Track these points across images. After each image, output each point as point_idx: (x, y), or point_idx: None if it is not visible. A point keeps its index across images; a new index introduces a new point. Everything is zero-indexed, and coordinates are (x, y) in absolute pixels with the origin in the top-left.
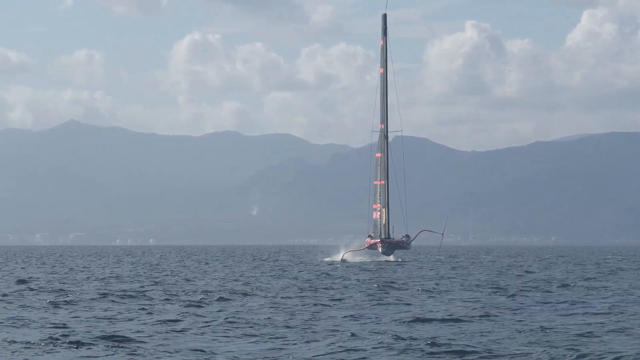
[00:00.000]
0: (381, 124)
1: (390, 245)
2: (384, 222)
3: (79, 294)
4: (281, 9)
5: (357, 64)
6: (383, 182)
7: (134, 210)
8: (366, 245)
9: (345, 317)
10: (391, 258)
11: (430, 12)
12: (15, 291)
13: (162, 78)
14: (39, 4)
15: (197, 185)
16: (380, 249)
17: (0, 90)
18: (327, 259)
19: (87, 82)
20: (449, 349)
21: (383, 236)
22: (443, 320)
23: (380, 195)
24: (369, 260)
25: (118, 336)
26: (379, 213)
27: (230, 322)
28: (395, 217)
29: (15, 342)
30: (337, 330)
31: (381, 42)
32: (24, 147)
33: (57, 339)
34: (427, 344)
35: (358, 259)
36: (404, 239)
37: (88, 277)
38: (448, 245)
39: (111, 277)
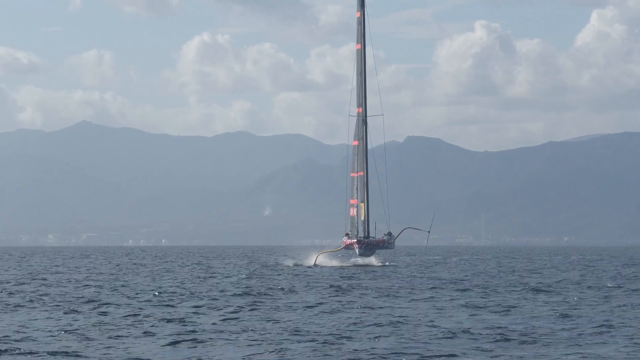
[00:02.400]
0: (359, 107)
1: (369, 246)
2: (362, 218)
3: None
4: (291, 9)
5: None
6: (361, 173)
7: (147, 211)
8: (342, 246)
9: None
10: (373, 260)
11: (440, 12)
12: None
13: (171, 78)
14: (48, 4)
15: (210, 185)
16: (357, 250)
17: (10, 91)
18: (291, 263)
19: (98, 82)
20: None
21: (361, 235)
22: None
23: (357, 189)
24: (348, 264)
25: None
26: (355, 209)
27: None
28: (377, 213)
29: None
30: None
31: (357, 14)
32: (37, 147)
33: None
34: None
35: (335, 262)
36: (385, 237)
37: None
38: (460, 246)
39: None
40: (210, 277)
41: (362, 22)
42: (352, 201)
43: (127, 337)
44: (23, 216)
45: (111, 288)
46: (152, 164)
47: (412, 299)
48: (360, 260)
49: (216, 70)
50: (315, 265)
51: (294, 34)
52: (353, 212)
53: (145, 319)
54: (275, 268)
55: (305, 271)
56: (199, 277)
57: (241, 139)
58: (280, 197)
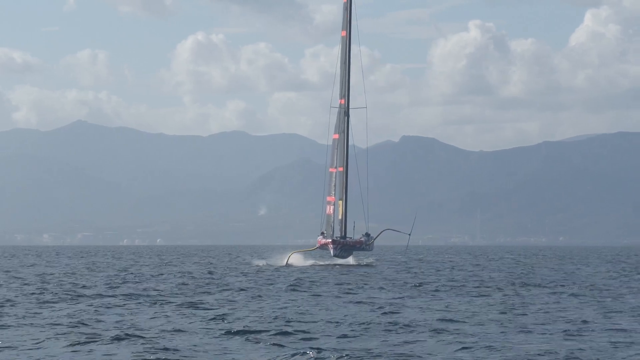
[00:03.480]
0: (341, 98)
1: (345, 247)
2: (340, 217)
3: None
4: (286, 9)
5: (362, 64)
6: (341, 169)
7: (143, 211)
8: (317, 245)
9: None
10: (351, 260)
11: (438, 12)
12: None
13: (166, 78)
14: (43, 4)
15: (206, 185)
16: (331, 251)
17: (5, 91)
18: (262, 263)
19: (92, 82)
20: None
21: (338, 235)
22: None
23: (335, 186)
24: (326, 263)
25: None
26: (332, 207)
27: None
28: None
29: None
30: None
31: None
32: (32, 147)
33: None
34: None
35: (310, 261)
36: (362, 238)
37: None
38: (454, 246)
39: None
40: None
41: (348, 7)
42: (329, 198)
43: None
44: (18, 215)
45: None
46: (149, 163)
47: (337, 296)
48: (340, 260)
49: (211, 69)
50: (287, 265)
51: (288, 33)
52: (329, 210)
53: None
54: (237, 268)
55: (263, 271)
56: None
57: (237, 138)
58: (278, 196)
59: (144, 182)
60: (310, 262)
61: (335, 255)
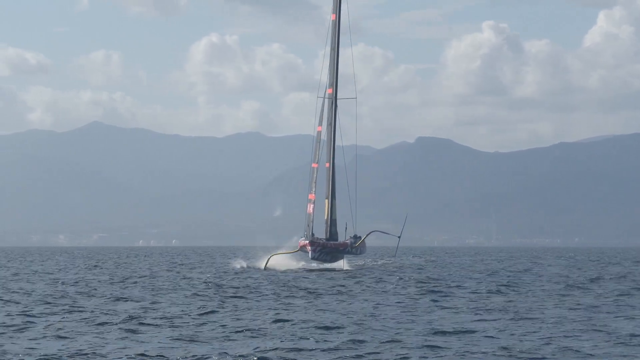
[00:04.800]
0: (329, 87)
1: (326, 249)
2: (326, 217)
3: None
4: (299, 10)
5: (375, 64)
6: (327, 164)
7: (158, 211)
8: (298, 248)
9: None
10: (342, 264)
11: (450, 13)
12: None
13: (180, 79)
14: (55, 5)
15: (221, 186)
16: (309, 253)
17: (19, 92)
18: (239, 265)
19: (106, 82)
20: None
21: (323, 237)
22: None
23: (316, 182)
24: (307, 267)
25: None
26: (312, 205)
27: None
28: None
29: None
30: None
31: None
32: (48, 148)
33: None
34: None
35: (293, 264)
36: (349, 240)
37: None
38: (470, 247)
39: None
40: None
41: None
42: (310, 196)
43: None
44: (34, 216)
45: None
46: (164, 164)
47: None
48: (329, 265)
49: (225, 70)
50: (266, 268)
51: (302, 34)
52: (309, 208)
53: None
54: (208, 271)
55: (237, 273)
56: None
57: (252, 139)
58: (294, 197)
59: (159, 183)
60: (293, 264)
61: (314, 259)
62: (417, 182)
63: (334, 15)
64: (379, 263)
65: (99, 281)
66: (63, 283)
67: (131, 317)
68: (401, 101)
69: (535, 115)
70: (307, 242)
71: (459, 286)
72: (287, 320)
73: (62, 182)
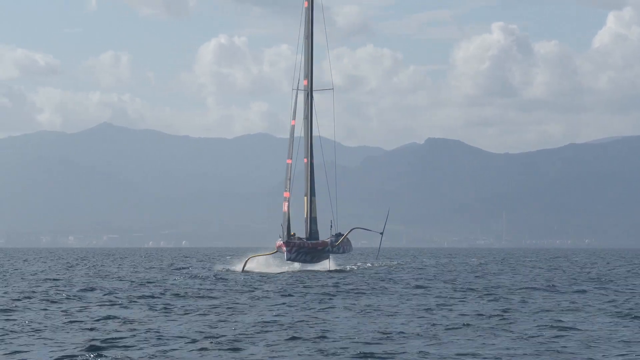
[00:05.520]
0: (304, 78)
1: (303, 250)
2: (305, 215)
3: None
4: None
5: (385, 66)
6: (305, 160)
7: (168, 212)
8: (276, 248)
9: None
10: (328, 264)
11: (460, 14)
12: None
13: (189, 80)
14: (65, 6)
15: (231, 187)
16: (285, 255)
17: (29, 93)
18: (219, 268)
19: (115, 84)
20: None
21: (304, 236)
22: None
23: (290, 179)
24: (288, 269)
25: None
26: (288, 203)
27: None
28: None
29: None
30: None
31: None
32: (58, 149)
33: None
34: None
35: (273, 267)
36: (330, 239)
37: None
38: (477, 249)
39: None
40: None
41: None
42: (285, 194)
43: None
44: (44, 217)
45: None
46: (174, 165)
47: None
48: (312, 266)
49: (234, 71)
50: (243, 271)
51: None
52: (285, 207)
53: None
54: (180, 274)
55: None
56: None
57: (261, 140)
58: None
59: (169, 184)
60: (273, 267)
61: (290, 260)
62: (427, 183)
63: (307, 1)
64: (367, 265)
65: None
66: None
67: None
68: (410, 102)
69: (544, 117)
70: (282, 242)
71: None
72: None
73: (72, 184)
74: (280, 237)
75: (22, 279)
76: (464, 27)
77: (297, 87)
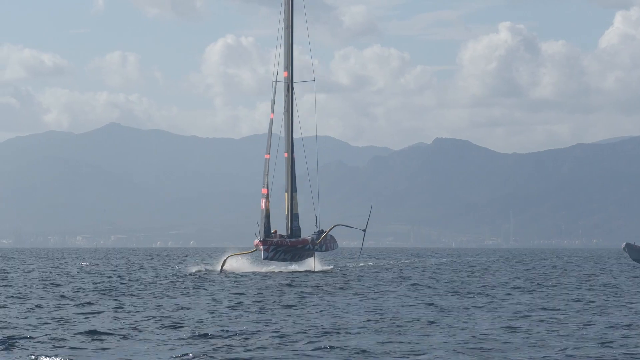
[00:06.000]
0: (285, 70)
1: (281, 248)
2: (285, 212)
3: None
4: (315, 11)
5: (392, 66)
6: (285, 154)
7: (176, 213)
8: (255, 247)
9: None
10: (313, 263)
11: (467, 14)
12: None
13: (196, 80)
14: (71, 7)
15: (240, 187)
16: (262, 254)
17: (36, 93)
18: (195, 269)
19: (122, 84)
20: None
21: (285, 234)
22: None
23: (267, 174)
24: (268, 269)
25: None
26: (265, 200)
27: None
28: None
29: None
30: None
31: None
32: (66, 149)
33: None
34: None
35: (254, 266)
36: (311, 237)
37: None
38: (489, 248)
39: None
40: None
41: None
42: (263, 190)
43: None
44: (52, 218)
45: None
46: (182, 165)
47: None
48: (297, 266)
49: (241, 72)
50: (221, 271)
51: (317, 35)
52: (262, 204)
53: None
54: (154, 274)
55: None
56: None
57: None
58: (311, 198)
59: (177, 184)
60: (252, 267)
61: (267, 259)
62: (435, 183)
63: None
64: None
65: None
66: None
67: None
68: (418, 102)
69: (552, 117)
70: (259, 241)
71: None
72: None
73: (80, 184)
74: (256, 235)
75: None
76: (471, 27)
77: (276, 79)
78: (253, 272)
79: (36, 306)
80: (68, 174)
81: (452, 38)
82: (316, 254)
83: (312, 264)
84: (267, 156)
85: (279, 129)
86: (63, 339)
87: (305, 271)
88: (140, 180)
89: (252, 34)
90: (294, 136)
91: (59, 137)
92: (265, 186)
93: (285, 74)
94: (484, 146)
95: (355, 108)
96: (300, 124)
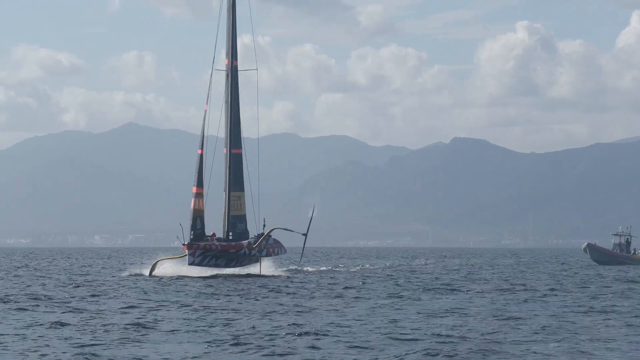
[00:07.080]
0: (226, 57)
1: (210, 253)
2: (223, 213)
3: None
4: (332, 11)
5: (409, 65)
6: (225, 150)
7: None
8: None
9: None
10: (267, 267)
11: (484, 14)
12: None
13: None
14: (87, 6)
15: (256, 187)
16: (187, 259)
17: (53, 93)
18: (137, 271)
19: (139, 84)
20: None
21: (222, 236)
22: None
23: (198, 172)
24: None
25: None
26: (195, 199)
27: None
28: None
29: None
30: None
31: None
32: (83, 149)
33: None
34: None
35: (192, 271)
36: (248, 240)
37: None
38: (505, 248)
39: None
40: None
41: None
42: (194, 189)
43: None
44: (71, 217)
45: None
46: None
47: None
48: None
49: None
50: (151, 275)
51: (333, 35)
52: (194, 203)
53: None
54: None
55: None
56: None
57: (286, 140)
58: (327, 199)
59: (192, 184)
60: (203, 272)
61: (193, 264)
62: (452, 183)
63: None
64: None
65: None
66: None
67: None
68: (435, 102)
69: (570, 116)
70: (185, 245)
71: None
72: None
73: (98, 183)
74: (178, 238)
75: None
76: (488, 27)
77: (213, 67)
78: (184, 277)
79: None
80: (86, 174)
81: (470, 37)
82: (269, 258)
83: (259, 269)
84: (200, 151)
85: (248, 125)
86: None
87: (247, 275)
88: (158, 179)
89: (269, 33)
90: (260, 133)
91: (76, 136)
92: (196, 184)
93: (227, 61)
94: (502, 145)
95: (373, 108)
96: (258, 118)
